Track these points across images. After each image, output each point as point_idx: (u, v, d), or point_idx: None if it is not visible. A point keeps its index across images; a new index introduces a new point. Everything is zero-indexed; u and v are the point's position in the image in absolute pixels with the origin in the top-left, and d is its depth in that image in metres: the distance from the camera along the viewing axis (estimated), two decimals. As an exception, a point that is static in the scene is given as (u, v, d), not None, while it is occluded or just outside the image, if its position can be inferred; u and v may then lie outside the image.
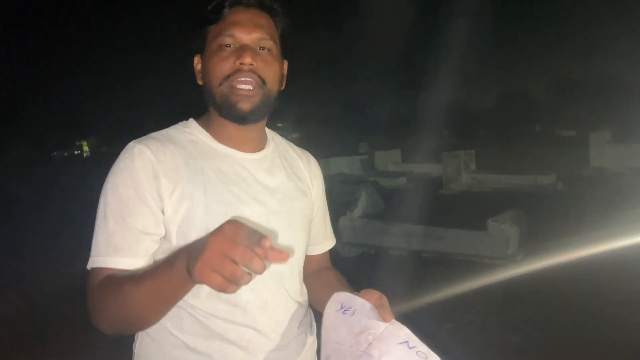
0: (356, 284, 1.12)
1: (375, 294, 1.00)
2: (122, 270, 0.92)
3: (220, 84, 1.00)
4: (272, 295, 1.05)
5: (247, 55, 0.98)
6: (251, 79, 0.99)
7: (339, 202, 7.32)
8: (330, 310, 1.04)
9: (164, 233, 0.97)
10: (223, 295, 0.97)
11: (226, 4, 1.01)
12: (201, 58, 1.05)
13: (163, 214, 0.96)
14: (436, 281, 4.63)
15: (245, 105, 1.00)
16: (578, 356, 3.27)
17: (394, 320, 0.96)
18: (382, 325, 0.96)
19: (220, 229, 0.71)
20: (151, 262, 0.96)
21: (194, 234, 0.95)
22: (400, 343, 0.93)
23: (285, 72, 1.11)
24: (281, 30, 1.07)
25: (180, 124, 1.10)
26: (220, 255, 0.68)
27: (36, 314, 4.46)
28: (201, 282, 0.71)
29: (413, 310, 3.96)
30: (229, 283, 0.68)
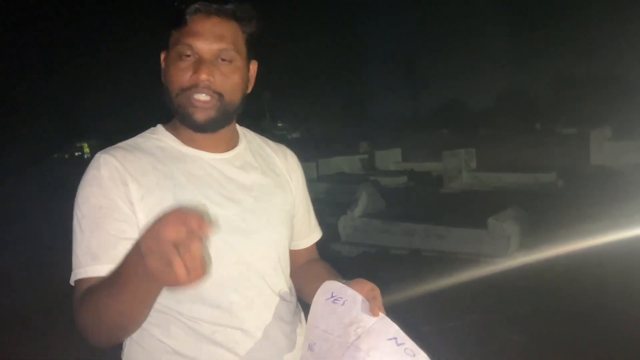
0: None
1: (367, 285, 0.99)
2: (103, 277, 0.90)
3: (177, 95, 0.99)
4: (257, 294, 1.04)
5: (203, 71, 0.96)
6: (207, 95, 0.98)
7: (339, 201, 7.33)
8: (320, 298, 1.03)
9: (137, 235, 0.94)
10: (207, 298, 0.98)
11: (187, 11, 0.97)
12: (166, 56, 1.03)
13: (136, 216, 0.95)
14: (437, 280, 4.63)
15: (200, 117, 0.99)
16: (581, 354, 3.27)
17: (383, 316, 0.96)
18: (372, 319, 0.96)
19: (158, 219, 0.69)
20: None
21: None
22: (389, 339, 0.93)
23: (253, 73, 1.09)
24: (248, 34, 1.03)
25: (147, 131, 1.09)
26: (162, 240, 0.67)
27: (36, 315, 4.46)
28: (157, 279, 0.69)
29: (414, 309, 3.96)
30: (176, 271, 0.66)
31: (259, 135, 1.23)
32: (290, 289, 1.15)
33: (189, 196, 0.99)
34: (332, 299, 1.01)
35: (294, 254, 1.20)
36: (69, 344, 3.85)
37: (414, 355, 0.91)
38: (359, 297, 0.98)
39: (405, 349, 0.91)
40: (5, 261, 6.41)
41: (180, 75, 0.98)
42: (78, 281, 0.92)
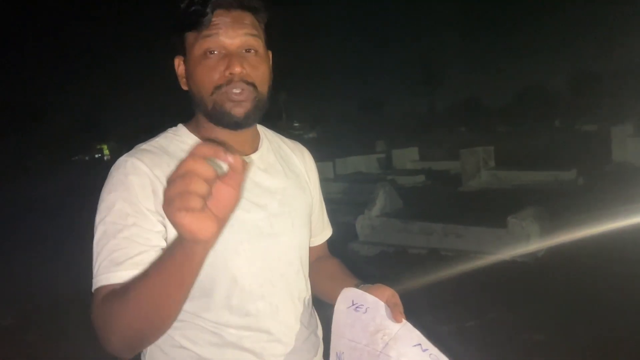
0: (375, 283, 1.10)
1: (387, 292, 0.98)
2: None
3: (211, 94, 0.97)
4: (282, 300, 1.04)
5: (236, 64, 0.94)
6: (243, 88, 0.96)
7: (356, 201, 7.32)
8: (341, 306, 1.02)
9: (165, 245, 0.93)
10: (234, 305, 0.97)
11: (207, 10, 0.94)
12: (183, 62, 1.01)
13: (165, 228, 0.93)
14: (456, 279, 4.60)
15: (239, 111, 0.97)
16: (604, 354, 3.22)
17: (406, 322, 0.95)
18: (397, 326, 0.95)
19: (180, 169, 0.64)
20: None
21: None
22: (415, 345, 0.93)
23: (271, 63, 1.07)
24: (263, 23, 1.02)
25: (169, 131, 1.07)
26: (174, 192, 0.62)
27: (61, 314, 4.53)
28: (176, 225, 0.64)
29: (433, 308, 3.94)
30: (193, 211, 0.61)
31: (276, 133, 1.22)
32: (308, 292, 1.14)
33: None
34: (354, 306, 1.01)
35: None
36: (90, 344, 3.92)
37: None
38: (381, 304, 0.98)
39: (430, 355, 0.92)
40: (31, 262, 6.53)
41: (212, 73, 0.95)
42: (100, 288, 0.87)
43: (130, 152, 0.99)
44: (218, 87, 0.96)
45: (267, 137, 1.16)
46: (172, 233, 0.90)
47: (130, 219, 0.91)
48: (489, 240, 5.39)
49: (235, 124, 0.99)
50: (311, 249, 1.24)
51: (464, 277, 4.65)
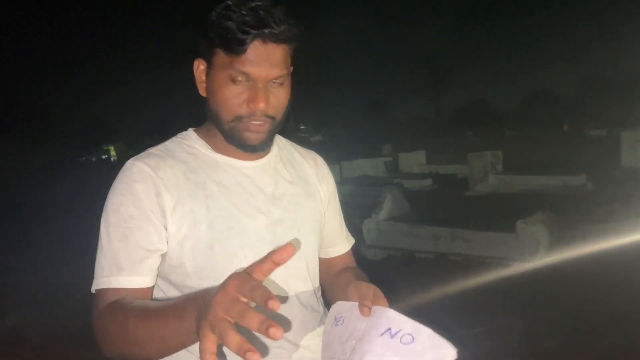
0: (381, 288, 1.05)
1: (362, 291, 0.93)
2: (127, 290, 0.91)
3: (231, 121, 0.98)
4: (287, 307, 1.03)
5: (261, 100, 0.95)
6: (263, 121, 0.98)
7: (363, 204, 7.28)
8: (328, 326, 0.98)
9: (166, 249, 0.95)
10: None
11: (247, 40, 0.92)
12: (206, 69, 1.00)
13: (166, 229, 0.95)
14: (464, 284, 4.55)
15: (254, 140, 0.99)
16: (614, 363, 3.17)
17: (375, 309, 0.89)
18: (363, 322, 0.90)
19: (223, 286, 0.66)
20: (155, 278, 0.96)
21: (197, 251, 0.95)
22: (382, 334, 0.85)
23: (289, 83, 1.06)
24: (294, 50, 1.01)
25: (178, 135, 1.08)
26: (220, 317, 0.63)
27: (66, 315, 4.53)
28: (204, 337, 0.65)
29: (440, 314, 3.90)
30: (233, 345, 0.62)
31: (289, 141, 1.21)
32: (318, 299, 1.13)
33: (220, 207, 0.98)
34: (335, 322, 0.96)
35: (326, 262, 1.19)
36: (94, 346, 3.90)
37: (413, 339, 0.84)
38: (355, 305, 0.93)
39: (401, 337, 0.84)
40: (38, 264, 6.54)
41: (235, 101, 0.96)
42: (101, 290, 0.91)
43: (138, 155, 1.01)
44: (238, 118, 0.97)
45: (278, 144, 1.15)
46: (173, 234, 0.94)
47: (134, 223, 0.93)
48: (497, 245, 5.34)
49: (250, 149, 1.01)
50: (333, 261, 1.23)
51: (471, 283, 4.60)
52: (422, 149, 15.70)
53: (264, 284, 0.95)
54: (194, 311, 0.72)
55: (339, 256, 1.25)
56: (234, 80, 0.95)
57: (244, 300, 0.64)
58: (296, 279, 1.06)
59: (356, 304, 0.92)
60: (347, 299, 0.99)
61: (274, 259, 0.67)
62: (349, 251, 1.27)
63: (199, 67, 1.01)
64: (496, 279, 4.69)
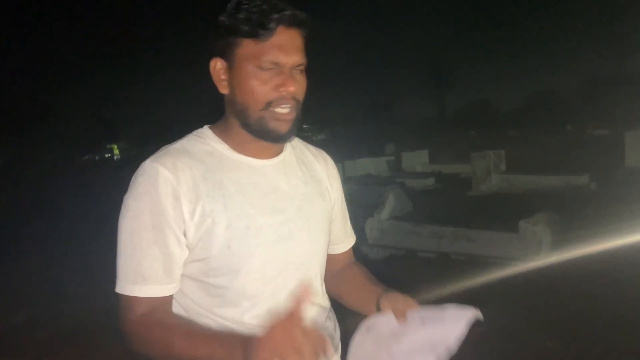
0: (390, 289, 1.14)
1: (395, 300, 1.07)
2: (154, 299, 0.97)
3: (261, 109, 0.99)
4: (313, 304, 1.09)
5: (291, 84, 0.98)
6: (290, 106, 1.00)
7: (365, 203, 7.28)
8: (358, 337, 1.08)
9: (187, 255, 0.99)
10: (248, 306, 1.02)
11: (272, 24, 0.95)
12: (225, 65, 1.01)
13: (185, 236, 0.97)
14: (466, 284, 4.55)
15: (283, 129, 1.01)
16: (617, 363, 3.17)
17: (409, 313, 1.03)
18: (399, 327, 1.02)
19: (272, 330, 0.78)
20: (178, 283, 1.02)
21: (216, 249, 0.98)
22: (417, 329, 1.00)
23: None
24: (306, 38, 1.05)
25: (194, 133, 1.09)
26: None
27: (70, 314, 4.55)
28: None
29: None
30: None
31: (301, 140, 1.23)
32: (324, 296, 1.16)
33: (238, 207, 1.00)
34: (367, 331, 1.07)
35: (331, 259, 1.22)
36: (99, 344, 3.91)
37: (442, 318, 0.99)
38: (389, 315, 1.05)
39: (433, 321, 0.99)
40: (39, 262, 6.56)
41: (266, 88, 0.98)
42: (129, 298, 0.97)
43: (155, 156, 1.01)
44: (269, 103, 0.99)
45: (292, 143, 1.17)
46: (193, 235, 0.98)
47: (156, 232, 0.96)
48: (500, 245, 5.34)
49: (278, 139, 1.04)
50: (337, 257, 1.27)
51: (474, 282, 4.60)
52: (425, 149, 15.68)
53: (280, 278, 1.05)
54: (239, 351, 0.84)
55: (342, 253, 1.29)
56: (262, 68, 0.97)
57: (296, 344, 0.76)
58: (307, 277, 1.09)
59: (390, 314, 1.04)
60: (363, 303, 1.12)
61: (300, 300, 0.80)
62: (350, 248, 1.32)
63: (216, 65, 1.02)
64: (499, 279, 4.69)
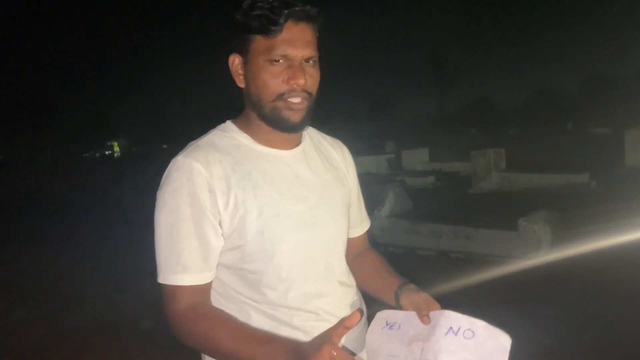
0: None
1: (417, 300, 1.12)
2: (196, 287, 1.03)
3: (272, 101, 1.04)
4: (326, 284, 1.14)
5: (301, 76, 1.03)
6: (302, 97, 1.05)
7: (366, 201, 7.29)
8: (376, 328, 1.12)
9: (222, 244, 1.05)
10: (283, 290, 1.08)
11: (281, 20, 1.00)
12: (242, 61, 1.07)
13: (221, 226, 1.03)
14: (466, 282, 4.55)
15: (296, 118, 1.06)
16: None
17: (432, 313, 1.05)
18: (427, 328, 1.04)
19: (318, 349, 0.84)
20: (214, 272, 1.08)
21: (250, 237, 1.04)
22: (446, 334, 1.00)
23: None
24: (318, 32, 1.10)
25: (218, 128, 1.14)
26: None
27: (69, 309, 4.56)
28: None
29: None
30: None
31: (317, 130, 1.29)
32: (350, 275, 1.23)
33: (267, 196, 1.06)
34: (388, 326, 1.10)
35: (349, 242, 1.28)
36: (98, 338, 3.93)
37: (473, 333, 0.99)
38: (412, 314, 1.09)
39: (464, 333, 0.99)
40: (41, 259, 6.58)
41: (276, 81, 1.03)
42: (172, 287, 1.02)
43: (186, 151, 1.06)
44: (280, 95, 1.04)
45: (309, 133, 1.24)
46: (227, 225, 1.03)
47: (195, 223, 1.01)
48: (499, 243, 5.35)
49: (291, 129, 1.09)
50: (354, 241, 1.34)
51: (473, 280, 4.61)
52: (426, 147, 15.65)
53: (308, 263, 1.13)
54: (284, 354, 0.91)
55: (358, 237, 1.36)
56: (272, 62, 1.02)
57: None
58: (334, 258, 1.16)
59: (412, 313, 1.10)
60: (381, 291, 1.21)
61: (346, 324, 0.87)
62: (365, 232, 1.40)
63: (234, 61, 1.08)
64: (498, 277, 4.70)
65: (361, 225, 1.37)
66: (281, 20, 1.00)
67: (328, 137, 1.31)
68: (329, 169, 1.21)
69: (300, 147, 1.17)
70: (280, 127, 1.08)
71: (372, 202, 6.63)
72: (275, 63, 1.02)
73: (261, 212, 1.04)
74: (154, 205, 1.05)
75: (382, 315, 1.13)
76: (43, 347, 3.87)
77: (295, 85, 1.03)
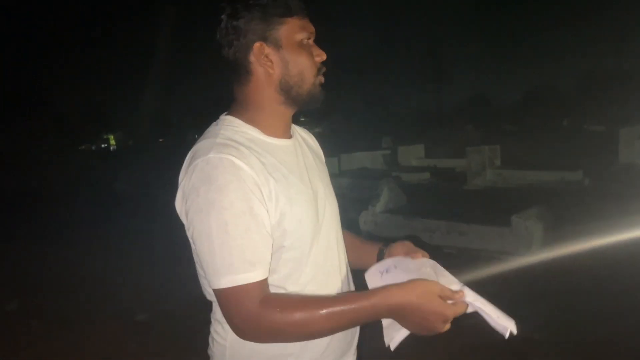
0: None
1: (406, 245, 1.22)
2: (262, 282, 0.99)
3: (314, 77, 1.10)
4: (337, 271, 1.18)
5: (323, 51, 1.11)
6: (324, 70, 1.13)
7: (361, 197, 7.33)
8: (374, 278, 1.13)
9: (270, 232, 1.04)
10: (312, 279, 1.10)
11: (299, 3, 1.08)
12: (273, 47, 1.07)
13: (268, 213, 1.03)
14: (458, 277, 4.59)
15: (323, 93, 1.13)
16: (603, 356, 3.23)
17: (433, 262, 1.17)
18: (427, 264, 1.13)
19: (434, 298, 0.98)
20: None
21: (292, 225, 1.05)
22: (454, 283, 1.09)
23: None
24: None
25: (225, 124, 1.10)
26: (441, 320, 0.97)
27: (64, 301, 4.58)
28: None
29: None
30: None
31: None
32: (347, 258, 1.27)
33: (293, 184, 1.07)
34: (382, 272, 1.13)
35: None
36: (92, 331, 3.95)
37: (484, 305, 1.05)
38: (401, 257, 1.15)
39: (468, 296, 1.05)
40: (36, 250, 6.58)
41: (312, 59, 1.09)
42: (241, 287, 0.97)
43: (215, 149, 1.01)
44: (317, 71, 1.10)
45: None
46: (273, 216, 1.03)
47: (250, 217, 0.98)
48: (492, 239, 5.40)
49: (320, 103, 1.14)
50: None
51: (465, 275, 4.64)
52: (421, 143, 15.68)
53: (326, 252, 1.16)
54: (384, 309, 0.97)
55: None
56: (305, 43, 1.08)
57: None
58: (342, 245, 1.22)
59: (401, 257, 1.18)
60: (363, 258, 1.27)
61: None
62: None
63: (263, 49, 1.06)
64: (489, 272, 4.74)
65: None
66: (300, 3, 1.08)
67: (299, 127, 1.31)
68: (316, 156, 1.26)
69: (295, 137, 1.20)
70: (312, 104, 1.13)
71: (366, 198, 6.68)
72: (307, 42, 1.08)
73: (295, 201, 1.05)
74: (190, 210, 1.00)
75: (372, 269, 1.16)
76: (37, 338, 3.89)
77: (324, 59, 1.11)
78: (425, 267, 1.09)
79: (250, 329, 0.98)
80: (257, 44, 1.05)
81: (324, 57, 1.10)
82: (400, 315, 0.97)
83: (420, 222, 5.92)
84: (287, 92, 1.09)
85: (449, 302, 0.97)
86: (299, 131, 1.28)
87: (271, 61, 1.06)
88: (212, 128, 1.10)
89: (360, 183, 9.72)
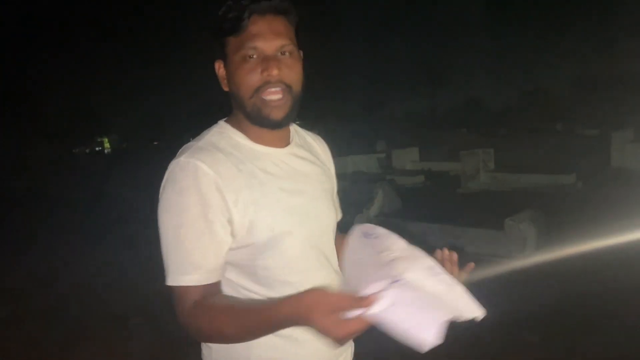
0: None
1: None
2: (206, 286, 1.02)
3: (250, 97, 1.05)
4: (328, 273, 1.16)
5: (273, 67, 1.02)
6: (279, 89, 1.04)
7: (355, 200, 7.34)
8: (354, 237, 1.14)
9: (232, 241, 1.04)
10: (285, 281, 1.08)
11: (244, 16, 1.02)
12: (223, 65, 1.09)
13: (231, 224, 1.02)
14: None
15: (277, 114, 1.06)
16: (595, 358, 3.25)
17: (419, 250, 1.07)
18: (407, 248, 1.05)
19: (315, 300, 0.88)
20: (223, 270, 1.07)
21: (262, 234, 1.05)
22: (425, 268, 0.99)
23: (302, 62, 1.15)
24: (294, 25, 1.10)
25: (215, 128, 1.14)
26: (336, 320, 0.85)
27: (58, 306, 4.56)
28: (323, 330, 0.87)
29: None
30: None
31: (297, 126, 1.30)
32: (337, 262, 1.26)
33: (272, 192, 1.07)
34: (365, 235, 1.13)
35: None
36: (86, 335, 3.93)
37: (450, 285, 0.96)
38: (392, 233, 1.11)
39: (440, 279, 0.96)
40: (33, 256, 6.55)
41: (250, 76, 1.04)
42: (182, 288, 1.01)
43: (188, 152, 1.04)
44: (257, 90, 1.04)
45: (296, 130, 1.25)
46: (239, 223, 1.02)
47: (204, 223, 1.00)
48: (485, 242, 5.42)
49: (275, 125, 1.08)
50: None
51: (459, 278, 4.65)
52: (416, 146, 15.70)
53: (310, 253, 1.15)
54: (289, 315, 0.91)
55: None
56: (246, 59, 1.03)
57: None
58: (329, 248, 1.21)
59: (392, 232, 1.13)
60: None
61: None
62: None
63: (220, 67, 1.10)
64: (483, 275, 4.75)
65: (337, 216, 1.39)
66: (245, 16, 1.01)
67: (309, 133, 1.33)
68: (316, 163, 1.24)
69: (291, 145, 1.18)
70: (264, 124, 1.08)
71: (361, 201, 6.69)
72: (249, 59, 1.03)
73: (270, 209, 1.05)
74: (157, 207, 1.04)
75: (362, 227, 1.17)
76: (32, 343, 3.88)
77: (269, 77, 1.03)
78: (398, 244, 1.07)
79: (185, 326, 1.01)
80: (216, 62, 1.10)
81: (273, 72, 1.02)
82: (306, 325, 0.90)
83: (415, 225, 5.93)
84: (239, 109, 1.10)
85: (350, 314, 0.85)
86: (306, 137, 1.29)
87: (225, 78, 1.10)
88: (203, 132, 1.13)
89: (354, 187, 9.71)
